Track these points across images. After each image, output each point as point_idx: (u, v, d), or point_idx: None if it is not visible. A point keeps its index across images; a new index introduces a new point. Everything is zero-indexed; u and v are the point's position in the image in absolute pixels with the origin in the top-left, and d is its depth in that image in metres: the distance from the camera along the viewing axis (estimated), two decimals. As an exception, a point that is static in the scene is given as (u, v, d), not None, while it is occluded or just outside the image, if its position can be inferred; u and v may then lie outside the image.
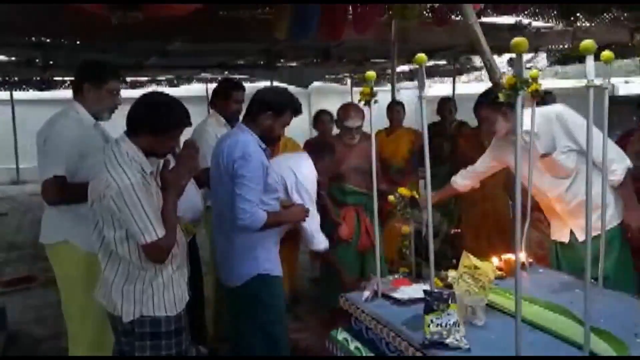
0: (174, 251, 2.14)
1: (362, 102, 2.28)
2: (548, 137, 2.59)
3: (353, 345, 2.35)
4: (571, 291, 2.35)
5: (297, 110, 2.64)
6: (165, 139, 2.11)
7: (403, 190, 2.78)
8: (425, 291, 2.05)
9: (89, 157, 2.61)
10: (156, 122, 2.05)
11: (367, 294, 2.39)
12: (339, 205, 3.75)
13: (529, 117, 2.53)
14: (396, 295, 2.36)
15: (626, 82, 15.65)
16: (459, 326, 1.93)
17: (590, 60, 1.64)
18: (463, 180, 3.13)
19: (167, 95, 2.16)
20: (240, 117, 3.04)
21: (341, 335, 2.46)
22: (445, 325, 1.92)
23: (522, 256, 2.63)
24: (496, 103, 2.40)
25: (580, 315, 1.93)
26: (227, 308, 2.77)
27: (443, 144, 4.87)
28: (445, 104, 5.05)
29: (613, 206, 2.60)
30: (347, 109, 3.67)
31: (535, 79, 2.23)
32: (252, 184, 2.41)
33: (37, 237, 2.80)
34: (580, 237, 2.67)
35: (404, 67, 10.39)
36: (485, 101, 2.64)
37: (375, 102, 2.25)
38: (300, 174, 2.69)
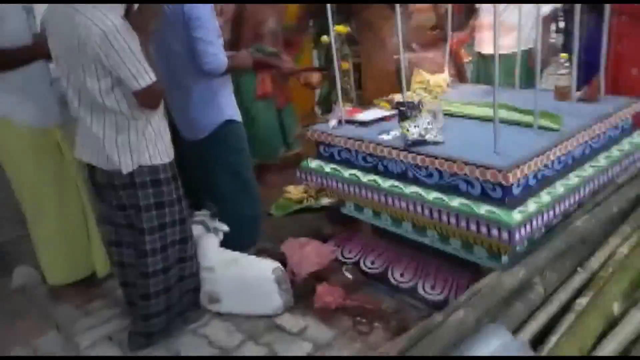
0: None
1: None
2: None
3: (328, 167, 2.61)
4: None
5: None
6: None
7: (339, 28, 2.94)
8: (398, 102, 2.33)
9: (7, 20, 2.34)
10: None
11: (333, 122, 2.61)
12: None
13: None
14: (360, 118, 2.61)
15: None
16: (432, 125, 2.26)
17: None
18: None
19: None
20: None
21: (312, 164, 2.70)
22: (422, 126, 2.24)
23: (445, 76, 3.02)
24: None
25: (518, 106, 2.37)
26: (191, 164, 2.77)
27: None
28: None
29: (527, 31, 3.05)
30: None
31: None
32: (209, 25, 2.37)
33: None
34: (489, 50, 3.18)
35: None
36: None
37: None
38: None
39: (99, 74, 1.93)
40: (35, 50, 2.38)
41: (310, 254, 2.57)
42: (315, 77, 3.82)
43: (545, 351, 1.56)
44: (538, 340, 1.65)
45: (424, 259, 2.45)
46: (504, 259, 2.02)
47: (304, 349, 2.20)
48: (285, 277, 2.44)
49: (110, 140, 2.04)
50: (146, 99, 1.99)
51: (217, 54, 2.41)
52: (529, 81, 2.94)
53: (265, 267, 2.45)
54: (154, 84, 1.97)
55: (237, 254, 2.54)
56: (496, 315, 1.71)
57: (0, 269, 3.01)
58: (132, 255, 2.24)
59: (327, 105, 5.16)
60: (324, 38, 2.98)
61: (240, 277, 2.44)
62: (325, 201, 3.44)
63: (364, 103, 3.03)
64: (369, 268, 2.58)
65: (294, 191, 3.59)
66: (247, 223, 2.76)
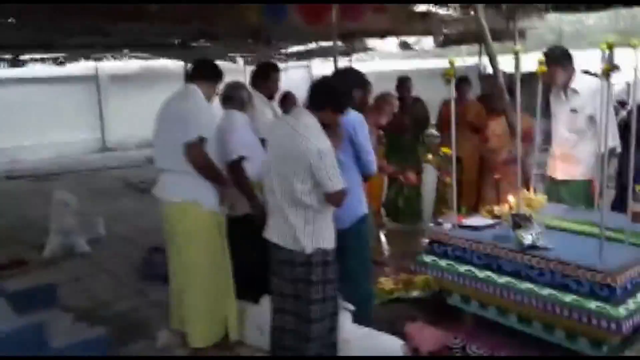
0: None
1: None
2: (585, 98, 3.52)
3: (443, 262, 3.14)
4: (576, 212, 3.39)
5: None
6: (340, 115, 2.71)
7: (445, 150, 3.61)
8: (512, 214, 2.92)
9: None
10: (340, 102, 2.64)
11: (448, 225, 3.19)
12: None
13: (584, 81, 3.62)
14: (472, 223, 3.19)
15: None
16: (541, 234, 2.82)
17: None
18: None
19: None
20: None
21: (427, 258, 3.23)
22: (535, 235, 2.80)
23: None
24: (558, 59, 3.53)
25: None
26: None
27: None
28: (404, 83, 5.87)
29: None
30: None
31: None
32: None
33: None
34: (560, 176, 3.77)
35: (297, 48, 10.89)
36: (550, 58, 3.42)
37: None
38: None
39: (304, 178, 2.55)
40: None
41: (428, 336, 3.04)
42: (412, 175, 4.35)
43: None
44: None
45: (523, 346, 2.92)
46: (605, 348, 2.52)
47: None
48: (409, 352, 2.90)
49: (301, 228, 2.61)
50: (335, 199, 2.60)
51: (374, 161, 3.10)
52: (588, 206, 3.54)
53: (394, 343, 2.92)
54: (343, 189, 2.59)
55: (367, 329, 3.01)
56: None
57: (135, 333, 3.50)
58: (294, 322, 2.73)
59: (393, 208, 5.78)
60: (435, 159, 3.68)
61: (373, 350, 2.90)
62: (414, 293, 3.97)
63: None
64: (474, 352, 3.03)
65: (385, 283, 4.11)
66: (367, 301, 3.25)
